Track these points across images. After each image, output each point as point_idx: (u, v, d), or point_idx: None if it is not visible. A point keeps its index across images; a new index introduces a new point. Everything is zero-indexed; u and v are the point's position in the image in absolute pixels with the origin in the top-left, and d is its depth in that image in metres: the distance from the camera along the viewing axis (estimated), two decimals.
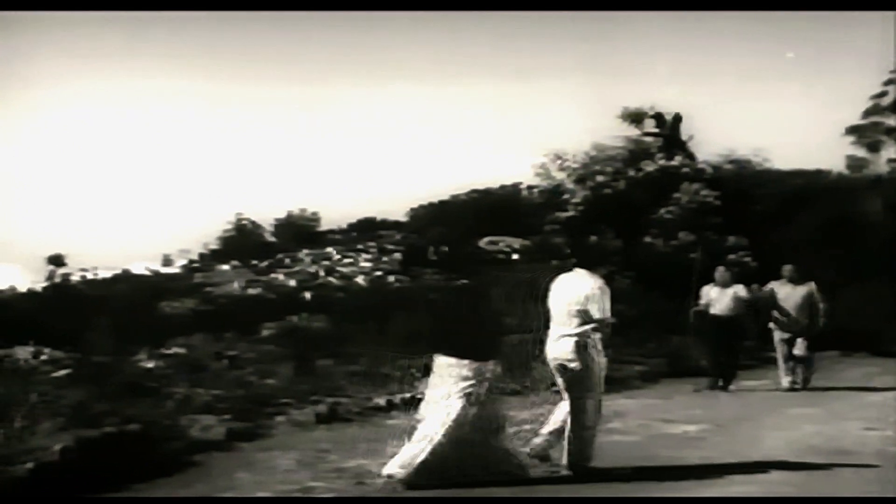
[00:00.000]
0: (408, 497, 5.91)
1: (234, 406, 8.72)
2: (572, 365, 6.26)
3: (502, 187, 27.70)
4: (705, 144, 21.47)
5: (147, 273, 33.08)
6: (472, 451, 6.09)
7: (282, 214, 39.11)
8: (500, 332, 6.71)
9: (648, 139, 21.45)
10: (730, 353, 11.40)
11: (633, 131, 21.74)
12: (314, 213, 40.07)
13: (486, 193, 28.12)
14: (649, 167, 19.91)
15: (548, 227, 19.80)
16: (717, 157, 20.96)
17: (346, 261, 31.62)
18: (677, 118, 21.71)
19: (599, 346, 6.34)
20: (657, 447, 7.36)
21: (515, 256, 21.52)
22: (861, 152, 21.86)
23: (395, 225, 35.13)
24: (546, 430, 6.54)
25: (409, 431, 6.22)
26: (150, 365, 12.33)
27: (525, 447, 6.53)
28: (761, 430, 8.24)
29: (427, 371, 11.54)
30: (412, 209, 30.96)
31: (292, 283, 29.03)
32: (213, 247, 38.21)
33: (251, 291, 28.51)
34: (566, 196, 20.24)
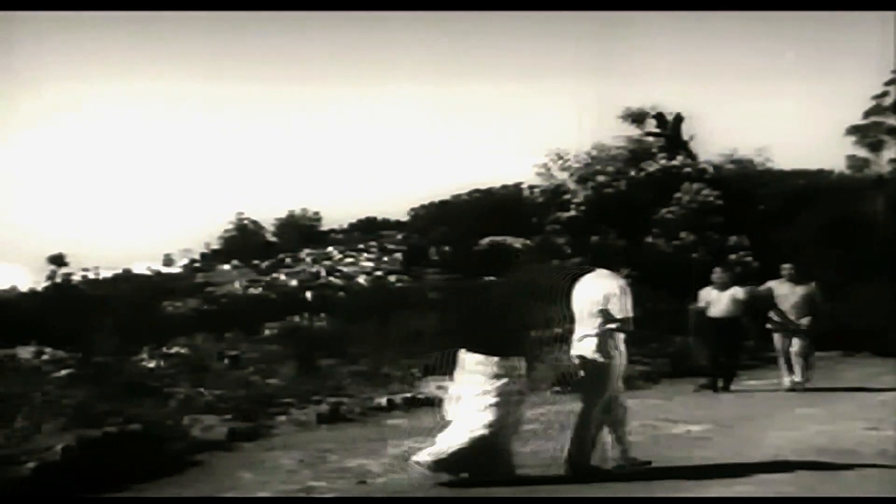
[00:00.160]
0: (408, 497, 5.92)
1: (236, 406, 8.73)
2: (592, 365, 6.31)
3: (504, 187, 27.71)
4: (707, 144, 21.49)
5: (148, 273, 33.16)
6: (504, 447, 6.14)
7: (283, 214, 39.22)
8: (527, 328, 6.74)
9: (650, 139, 21.44)
10: (729, 353, 11.39)
11: (635, 131, 21.73)
12: (316, 213, 40.10)
13: (488, 193, 28.13)
14: (651, 167, 19.90)
15: (549, 228, 19.78)
16: (718, 156, 20.95)
17: (348, 260, 31.67)
18: (678, 118, 21.71)
19: (621, 347, 6.40)
20: (659, 447, 7.35)
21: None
22: (862, 152, 21.85)
23: (397, 225, 35.19)
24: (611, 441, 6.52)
25: (437, 428, 6.23)
26: (152, 365, 12.35)
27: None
28: (763, 430, 8.23)
29: (429, 371, 11.63)
30: (413, 209, 30.99)
31: (294, 282, 29.08)
32: (215, 247, 38.31)
33: (253, 291, 28.55)
34: (567, 196, 20.23)
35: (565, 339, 6.71)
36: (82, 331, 14.82)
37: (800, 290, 11.25)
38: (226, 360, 12.79)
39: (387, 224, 36.38)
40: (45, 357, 14.99)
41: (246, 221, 38.75)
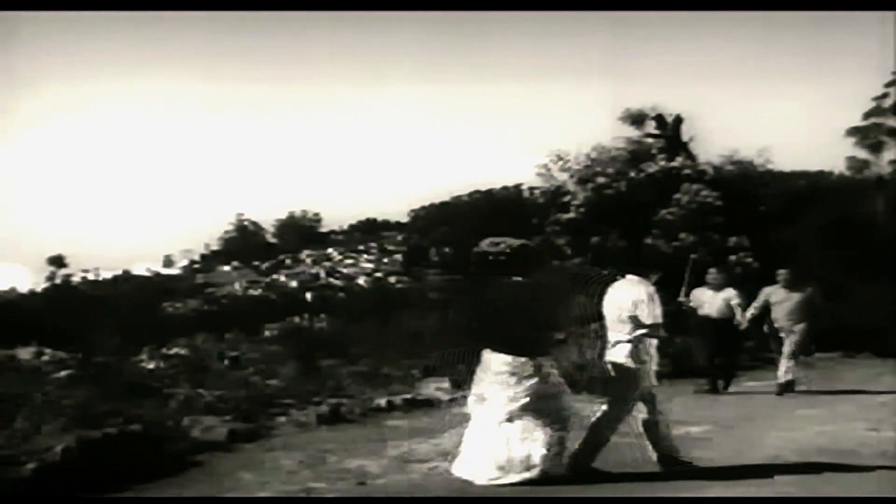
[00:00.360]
0: (408, 497, 5.92)
1: (236, 407, 8.73)
2: (625, 371, 6.36)
3: (504, 188, 27.74)
4: (707, 145, 21.46)
5: (148, 274, 33.23)
6: (559, 447, 6.13)
7: (283, 215, 39.30)
8: (555, 328, 6.74)
9: (649, 140, 21.43)
10: (726, 354, 11.36)
11: (635, 132, 21.73)
12: (316, 214, 40.22)
13: (488, 194, 28.16)
14: (650, 168, 19.89)
15: (549, 229, 19.78)
16: (718, 157, 20.94)
17: (348, 262, 31.74)
18: (678, 119, 21.70)
19: (652, 352, 6.45)
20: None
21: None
22: (863, 153, 21.85)
23: (397, 226, 35.24)
24: (650, 440, 6.54)
25: (446, 427, 6.21)
26: (152, 366, 12.35)
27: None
28: (764, 431, 8.23)
29: (429, 371, 11.63)
30: (413, 210, 31.03)
31: (294, 283, 29.13)
32: (215, 248, 38.39)
33: (253, 292, 28.61)
34: (567, 197, 20.22)
35: (595, 342, 6.75)
36: (82, 331, 14.81)
37: (795, 296, 11.13)
38: (226, 361, 12.80)
39: (387, 225, 36.47)
40: (45, 358, 14.99)
41: (246, 222, 38.85)
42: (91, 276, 30.24)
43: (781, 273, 11.29)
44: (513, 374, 6.08)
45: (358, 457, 6.97)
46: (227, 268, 34.78)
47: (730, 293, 11.20)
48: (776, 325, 11.17)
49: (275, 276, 30.59)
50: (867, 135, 21.53)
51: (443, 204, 29.36)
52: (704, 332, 11.34)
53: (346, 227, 39.09)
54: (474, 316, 6.74)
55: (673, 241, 18.04)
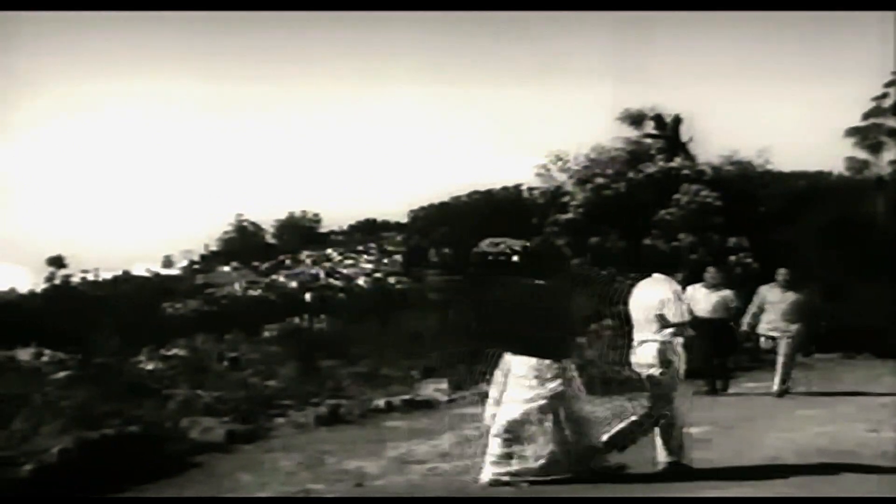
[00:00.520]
0: (407, 497, 5.91)
1: (236, 407, 8.72)
2: (652, 370, 6.38)
3: (503, 189, 27.75)
4: (706, 146, 21.44)
5: (148, 274, 33.23)
6: (570, 448, 6.14)
7: (283, 215, 39.31)
8: (577, 331, 6.74)
9: (648, 141, 21.41)
10: (723, 355, 11.33)
11: (634, 133, 21.70)
12: (315, 215, 40.23)
13: (488, 195, 28.17)
14: (649, 168, 19.87)
15: (548, 229, 19.77)
16: (718, 157, 20.92)
17: (347, 262, 31.73)
18: (677, 119, 21.68)
19: (679, 350, 6.47)
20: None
21: (516, 258, 21.51)
22: (862, 154, 21.82)
23: (397, 226, 35.23)
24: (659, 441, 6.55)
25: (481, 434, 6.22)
26: (151, 366, 12.35)
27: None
28: (763, 431, 8.22)
29: (429, 372, 11.62)
30: (413, 210, 31.03)
31: (293, 284, 29.13)
32: (214, 248, 38.40)
33: (252, 292, 28.61)
34: (566, 198, 20.21)
35: (621, 343, 6.77)
36: (82, 332, 14.81)
37: (790, 297, 11.04)
38: (225, 362, 12.80)
39: (386, 225, 36.46)
40: (44, 358, 14.99)
41: (246, 223, 38.85)
42: (91, 277, 30.27)
43: (781, 273, 11.20)
44: (536, 376, 6.08)
45: (356, 458, 6.96)
46: (226, 268, 34.79)
47: (727, 294, 11.15)
48: (771, 325, 11.06)
49: (274, 277, 30.59)
50: (867, 135, 21.51)
51: (442, 204, 29.36)
52: (701, 333, 11.30)
53: (345, 227, 39.11)
54: (496, 318, 6.74)
55: (672, 242, 18.02)
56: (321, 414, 8.81)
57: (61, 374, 10.67)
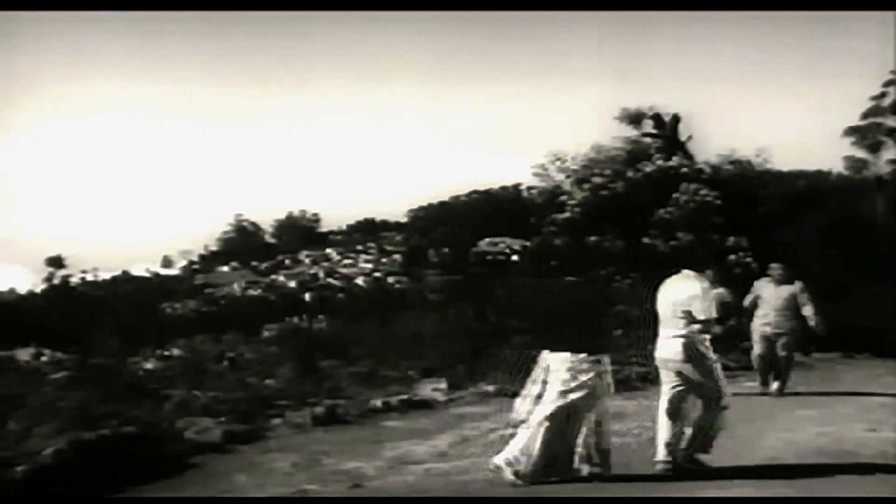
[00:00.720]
0: (405, 497, 5.89)
1: (233, 408, 8.70)
2: (685, 366, 6.39)
3: (503, 188, 27.72)
4: (705, 145, 21.44)
5: (147, 274, 33.18)
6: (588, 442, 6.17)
7: (282, 215, 39.26)
8: (610, 326, 6.78)
9: (647, 140, 21.41)
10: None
11: (632, 132, 21.70)
12: (314, 215, 40.17)
13: (487, 195, 28.13)
14: (647, 168, 19.87)
15: (546, 229, 19.77)
16: (717, 157, 20.92)
17: (346, 262, 31.67)
18: (676, 119, 21.67)
19: (707, 344, 6.48)
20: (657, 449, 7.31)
21: (515, 258, 21.51)
22: (861, 153, 21.78)
23: (396, 226, 35.17)
24: (662, 440, 6.53)
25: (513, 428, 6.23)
26: (150, 366, 12.34)
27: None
28: (762, 432, 8.20)
29: (428, 373, 11.60)
30: (412, 210, 30.96)
31: (293, 284, 29.09)
32: (214, 248, 38.34)
33: (252, 293, 28.57)
34: (564, 198, 20.21)
35: (648, 339, 6.79)
36: (82, 332, 14.80)
37: (784, 292, 10.93)
38: (225, 362, 12.79)
39: (386, 225, 36.38)
40: (44, 359, 14.99)
41: (245, 223, 38.80)
42: (90, 277, 30.20)
43: (774, 268, 11.03)
44: (569, 369, 6.13)
45: (353, 458, 6.94)
46: (225, 268, 34.74)
47: (721, 292, 11.07)
48: (765, 320, 10.95)
49: (274, 277, 30.55)
50: (866, 135, 21.46)
51: (442, 204, 29.30)
52: None
53: (344, 227, 39.02)
54: (534, 316, 6.80)
55: (671, 241, 18.01)
56: (318, 414, 8.78)
57: (59, 375, 10.64)
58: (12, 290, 29.89)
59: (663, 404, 6.57)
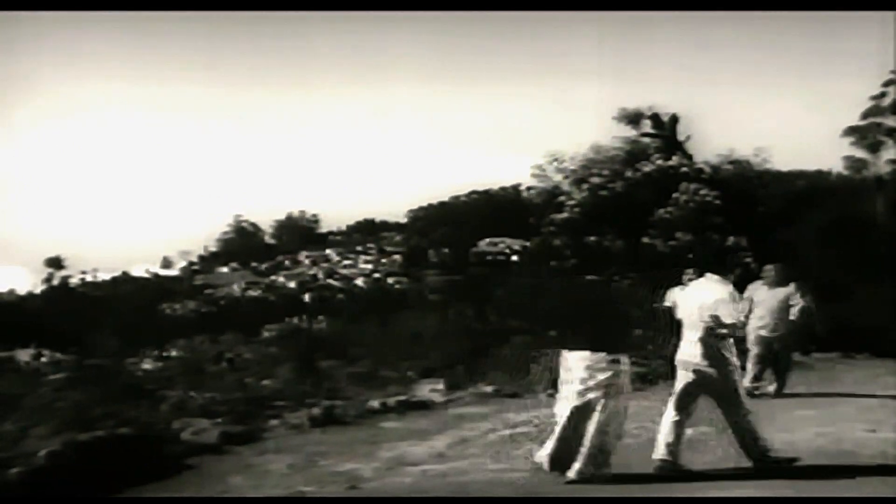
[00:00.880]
0: (402, 498, 5.87)
1: (230, 409, 8.67)
2: (709, 370, 6.40)
3: (502, 189, 27.75)
4: (704, 145, 21.43)
5: (147, 275, 33.20)
6: (612, 441, 6.21)
7: (282, 216, 39.29)
8: (630, 325, 6.78)
9: (646, 140, 21.40)
10: None
11: (631, 132, 21.69)
12: (314, 215, 40.19)
13: (487, 195, 28.17)
14: (647, 167, 19.86)
15: (545, 229, 19.76)
16: (716, 157, 20.90)
17: (346, 262, 31.67)
18: (674, 119, 21.66)
19: (732, 349, 6.50)
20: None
21: (515, 258, 21.52)
22: (861, 153, 21.77)
23: (396, 226, 35.19)
24: (663, 442, 6.53)
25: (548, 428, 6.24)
26: (148, 367, 12.33)
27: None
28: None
29: (428, 373, 11.57)
30: (412, 210, 31.02)
31: (293, 284, 29.10)
32: (213, 249, 38.37)
33: (251, 293, 28.57)
34: (563, 198, 20.20)
35: (664, 341, 6.79)
36: (81, 333, 14.80)
37: (778, 294, 10.84)
38: (224, 363, 12.77)
39: (386, 226, 36.40)
40: (43, 359, 14.98)
41: (244, 223, 38.83)
42: (89, 278, 30.23)
43: (767, 270, 10.93)
44: (587, 368, 6.15)
45: (350, 460, 6.91)
46: (225, 269, 34.75)
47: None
48: (762, 323, 10.87)
49: (273, 278, 30.56)
50: (865, 134, 21.44)
51: (442, 204, 29.36)
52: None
53: (344, 227, 39.04)
54: (559, 315, 6.82)
55: (670, 241, 18.00)
56: (316, 415, 8.75)
57: (57, 376, 10.62)
58: (12, 291, 29.92)
59: (673, 404, 6.56)
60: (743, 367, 11.29)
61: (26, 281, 30.28)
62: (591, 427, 6.10)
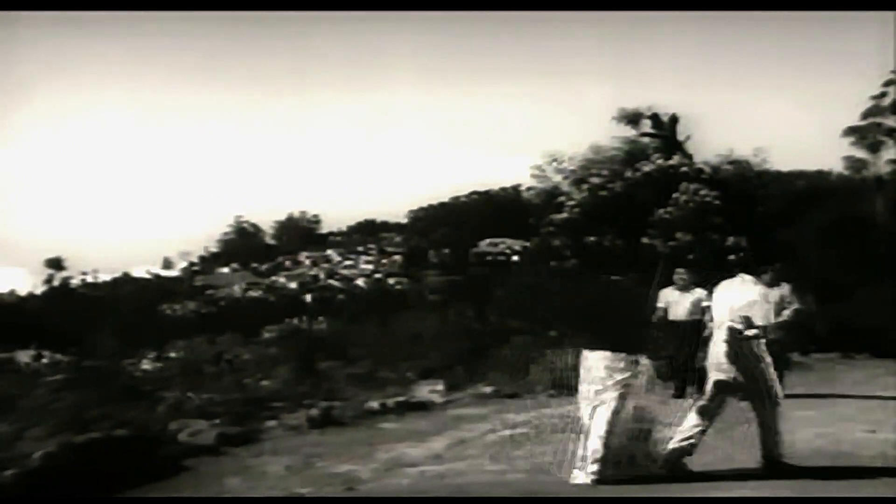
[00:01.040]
0: (401, 498, 5.85)
1: (228, 410, 8.65)
2: (739, 370, 6.39)
3: (502, 189, 27.74)
4: (704, 145, 21.39)
5: (147, 276, 33.20)
6: (632, 443, 6.17)
7: (282, 217, 39.28)
8: (649, 325, 6.76)
9: (645, 140, 21.37)
10: (694, 357, 11.14)
11: (631, 132, 21.66)
12: (315, 216, 40.18)
13: (487, 195, 28.16)
14: (647, 167, 19.83)
15: (544, 230, 19.74)
16: (716, 157, 20.87)
17: (347, 263, 31.65)
18: (674, 118, 21.62)
19: (763, 347, 6.47)
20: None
21: (515, 258, 21.51)
22: (861, 153, 21.74)
23: (396, 227, 35.18)
24: (680, 437, 6.49)
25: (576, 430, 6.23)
26: (148, 367, 12.32)
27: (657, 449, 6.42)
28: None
29: (427, 374, 11.56)
30: (412, 211, 31.01)
31: (293, 285, 29.09)
32: (214, 249, 38.34)
33: (252, 294, 28.56)
34: (562, 198, 20.18)
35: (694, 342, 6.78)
36: (82, 334, 14.79)
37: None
38: (223, 364, 12.76)
39: (386, 226, 36.38)
40: (43, 360, 14.98)
41: (245, 224, 38.81)
42: (90, 279, 30.23)
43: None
44: (606, 367, 6.13)
45: (348, 461, 6.89)
46: (225, 270, 34.73)
47: (700, 294, 10.94)
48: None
49: (274, 278, 30.54)
50: (865, 134, 21.41)
51: (442, 205, 29.36)
52: (676, 335, 11.06)
53: (345, 228, 39.01)
54: (579, 315, 6.79)
55: (670, 241, 17.97)
56: (314, 416, 8.72)
57: (56, 377, 10.60)
58: (12, 292, 29.92)
59: (700, 402, 6.55)
60: None
61: (27, 282, 30.30)
62: (603, 426, 6.07)
